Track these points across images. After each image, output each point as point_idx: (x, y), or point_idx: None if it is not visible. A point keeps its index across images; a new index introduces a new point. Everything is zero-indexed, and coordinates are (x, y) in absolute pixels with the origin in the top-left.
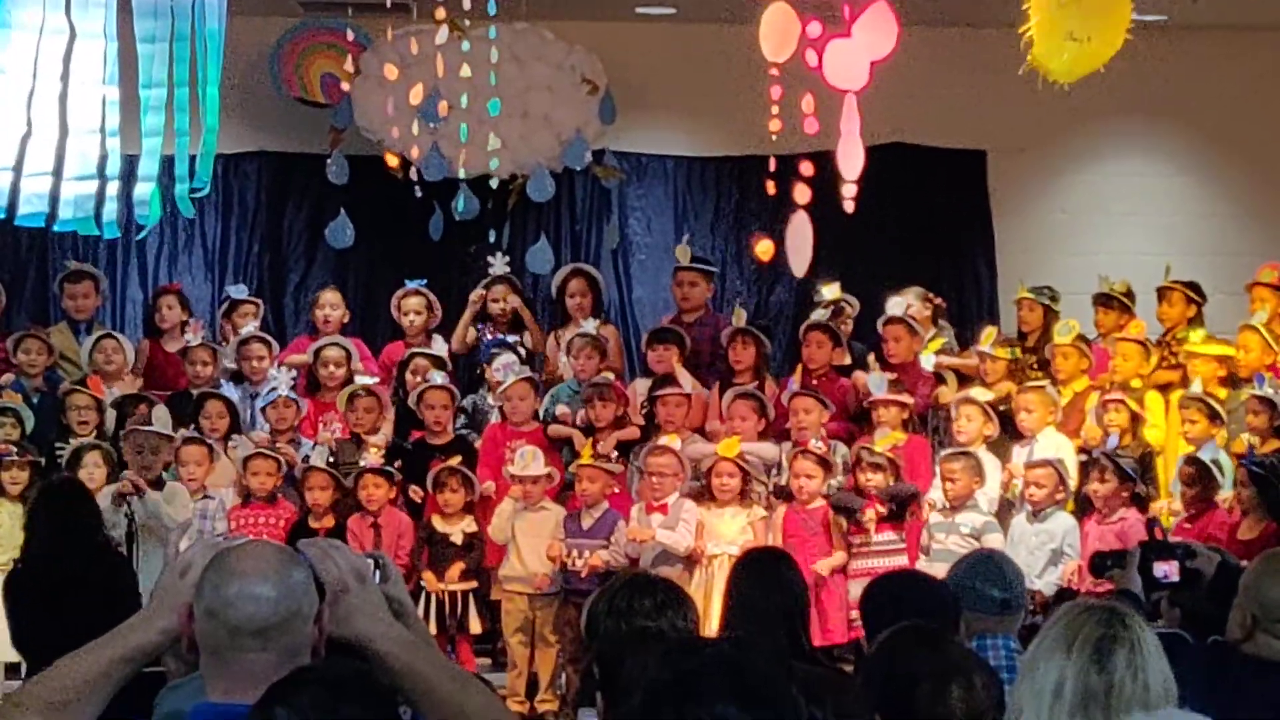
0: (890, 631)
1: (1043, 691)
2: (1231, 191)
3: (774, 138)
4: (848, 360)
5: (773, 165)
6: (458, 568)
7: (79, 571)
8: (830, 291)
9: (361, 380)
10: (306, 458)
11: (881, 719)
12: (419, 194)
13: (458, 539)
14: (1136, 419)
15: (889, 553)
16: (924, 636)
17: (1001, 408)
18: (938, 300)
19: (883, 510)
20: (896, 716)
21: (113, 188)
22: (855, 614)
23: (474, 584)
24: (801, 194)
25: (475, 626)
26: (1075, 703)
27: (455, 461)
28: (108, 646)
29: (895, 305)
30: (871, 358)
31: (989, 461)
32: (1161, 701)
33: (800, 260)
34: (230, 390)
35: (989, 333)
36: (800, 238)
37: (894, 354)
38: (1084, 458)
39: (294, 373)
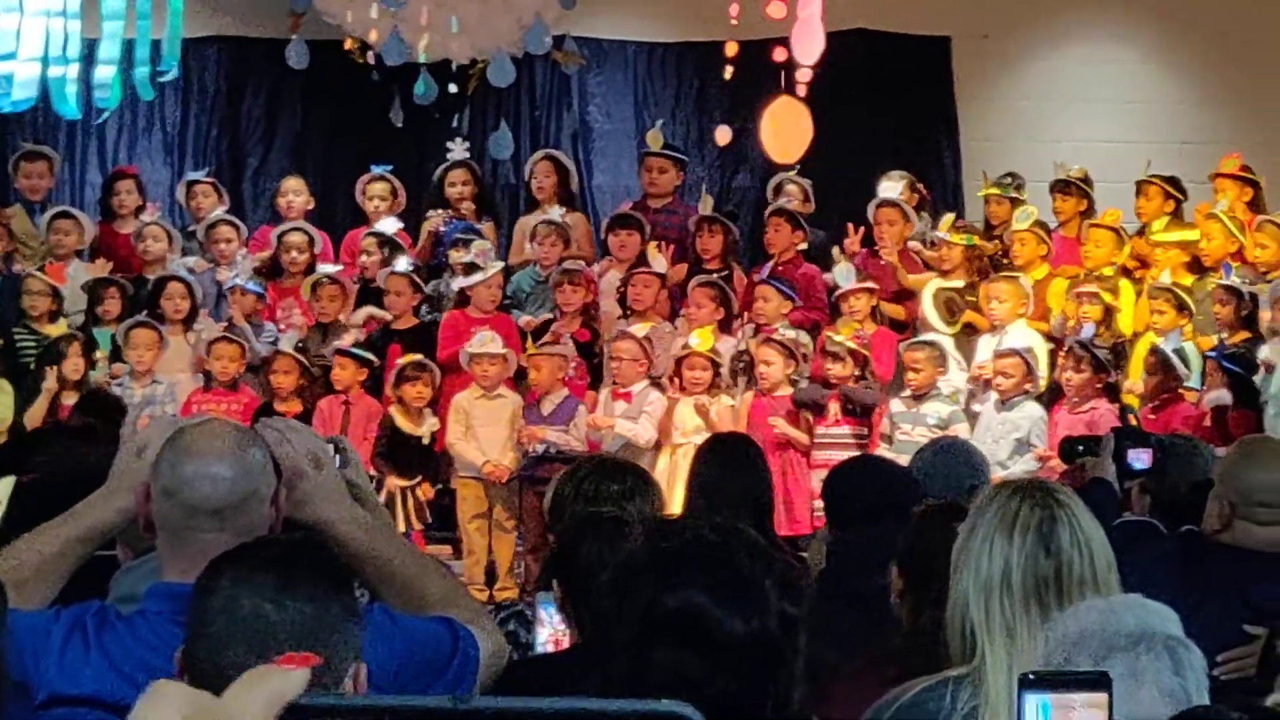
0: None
1: (989, 582)
2: (1199, 78)
3: (734, 23)
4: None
5: (732, 51)
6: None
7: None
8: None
9: (325, 268)
10: (275, 341)
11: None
12: (376, 78)
13: (428, 440)
14: (1110, 310)
15: (850, 447)
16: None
17: (968, 298)
18: (923, 190)
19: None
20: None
21: (73, 70)
22: (819, 504)
23: (431, 494)
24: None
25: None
26: (1027, 590)
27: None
28: (64, 526)
29: (888, 189)
30: (836, 250)
31: (952, 351)
32: (1107, 572)
33: (785, 146)
34: (186, 277)
35: (947, 219)
36: (787, 122)
37: (884, 238)
38: (1052, 346)
39: (252, 259)
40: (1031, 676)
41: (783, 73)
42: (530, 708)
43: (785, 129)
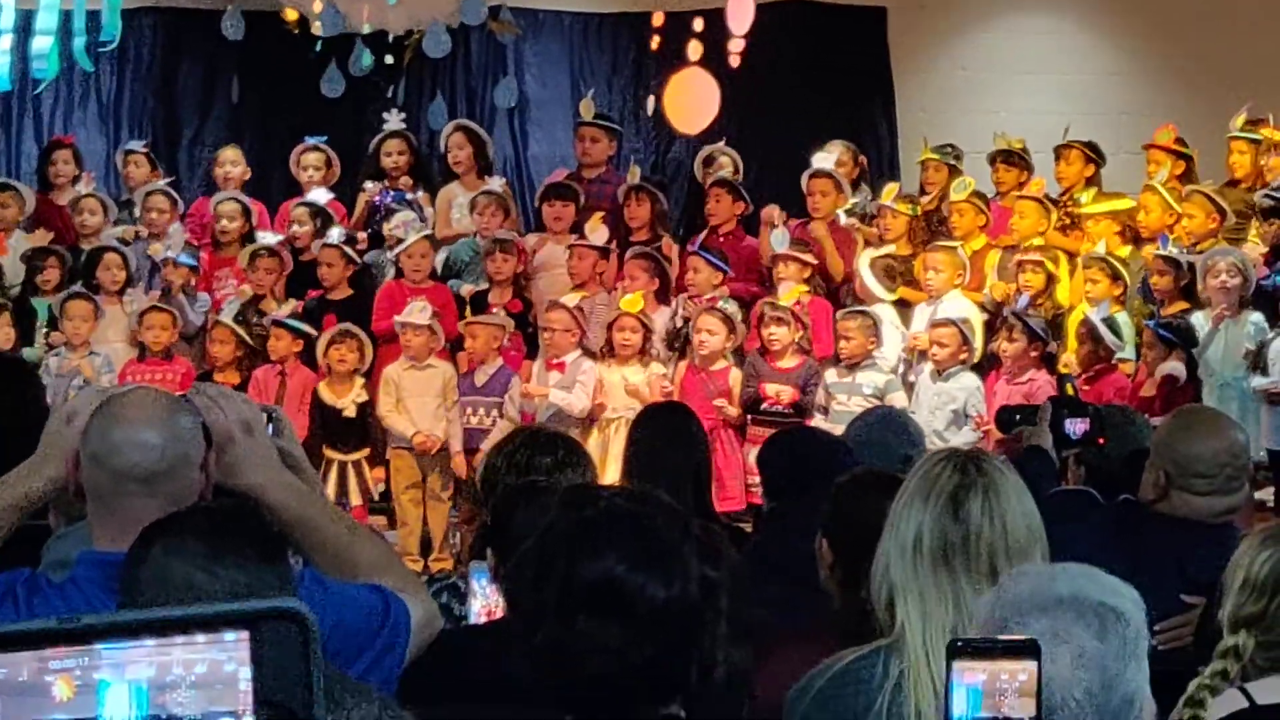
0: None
1: (904, 545)
2: (1135, 49)
3: None
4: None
5: (659, 20)
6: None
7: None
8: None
9: (266, 237)
10: (220, 311)
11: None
12: (319, 49)
13: (351, 412)
14: (1051, 279)
15: (786, 425)
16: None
17: (901, 268)
18: (863, 159)
19: (787, 395)
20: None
21: (5, 41)
22: (752, 480)
23: (367, 450)
24: (694, 50)
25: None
26: (935, 554)
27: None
28: None
29: (822, 159)
30: (776, 213)
31: (888, 322)
32: (1027, 544)
33: (687, 118)
34: (121, 248)
35: (890, 188)
36: (688, 94)
37: (818, 209)
38: (988, 316)
39: (187, 232)
40: (960, 644)
41: (714, 42)
42: (138, 619)
43: (688, 100)
